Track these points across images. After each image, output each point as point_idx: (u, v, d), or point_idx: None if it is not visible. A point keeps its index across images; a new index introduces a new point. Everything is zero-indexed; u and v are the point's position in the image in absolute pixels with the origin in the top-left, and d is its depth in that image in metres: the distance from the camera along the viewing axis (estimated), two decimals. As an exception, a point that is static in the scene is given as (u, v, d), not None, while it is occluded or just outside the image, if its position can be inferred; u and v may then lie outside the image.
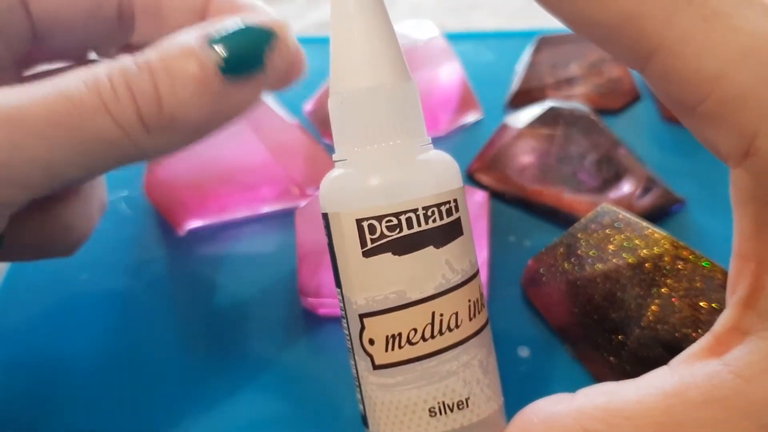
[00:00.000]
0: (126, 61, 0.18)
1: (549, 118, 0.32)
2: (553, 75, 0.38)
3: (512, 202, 0.32)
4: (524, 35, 0.43)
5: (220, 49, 0.18)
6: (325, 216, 0.18)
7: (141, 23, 0.24)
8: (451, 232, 0.18)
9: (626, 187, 0.31)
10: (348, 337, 0.18)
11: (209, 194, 0.30)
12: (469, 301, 0.18)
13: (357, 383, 0.19)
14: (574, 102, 0.34)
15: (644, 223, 0.24)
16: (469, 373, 0.18)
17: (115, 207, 0.33)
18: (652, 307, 0.24)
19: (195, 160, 0.30)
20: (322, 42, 0.43)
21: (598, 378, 0.24)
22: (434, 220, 0.17)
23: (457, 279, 0.18)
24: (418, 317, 0.17)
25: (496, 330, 0.27)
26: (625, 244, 0.24)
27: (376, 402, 0.18)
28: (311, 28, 0.48)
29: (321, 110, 0.35)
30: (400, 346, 0.17)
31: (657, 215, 0.30)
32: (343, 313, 0.18)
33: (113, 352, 0.26)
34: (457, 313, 0.18)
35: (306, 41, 0.41)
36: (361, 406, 0.19)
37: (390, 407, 0.18)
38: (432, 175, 0.18)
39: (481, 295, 0.19)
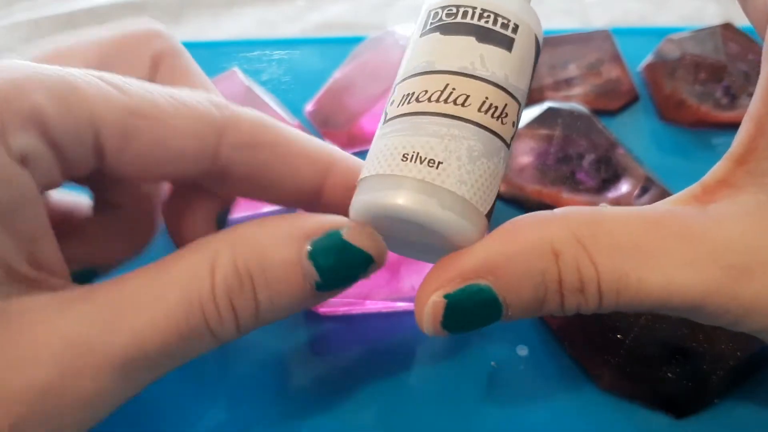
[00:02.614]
0: (253, 262, 0.18)
1: (547, 118, 0.32)
2: (552, 75, 0.38)
3: (511, 202, 0.32)
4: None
5: (318, 266, 0.18)
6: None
7: (238, 186, 0.22)
8: (497, 39, 0.19)
9: (624, 187, 0.31)
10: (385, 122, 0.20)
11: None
12: (487, 98, 0.18)
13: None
14: (573, 102, 0.34)
15: (642, 223, 0.25)
16: (454, 146, 0.18)
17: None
18: (650, 306, 0.24)
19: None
20: (323, 42, 0.43)
21: (597, 378, 0.24)
22: (486, 22, 0.19)
23: (483, 73, 0.19)
24: (433, 83, 0.19)
25: (494, 330, 0.27)
26: (623, 243, 0.24)
27: (372, 150, 0.19)
28: (311, 28, 0.48)
29: (321, 111, 0.36)
30: (408, 103, 0.19)
31: (655, 215, 0.31)
32: (389, 101, 0.20)
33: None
34: (468, 96, 0.18)
35: (306, 42, 0.41)
36: (364, 170, 0.20)
37: (377, 151, 0.19)
38: None
39: (507, 114, 0.19)
